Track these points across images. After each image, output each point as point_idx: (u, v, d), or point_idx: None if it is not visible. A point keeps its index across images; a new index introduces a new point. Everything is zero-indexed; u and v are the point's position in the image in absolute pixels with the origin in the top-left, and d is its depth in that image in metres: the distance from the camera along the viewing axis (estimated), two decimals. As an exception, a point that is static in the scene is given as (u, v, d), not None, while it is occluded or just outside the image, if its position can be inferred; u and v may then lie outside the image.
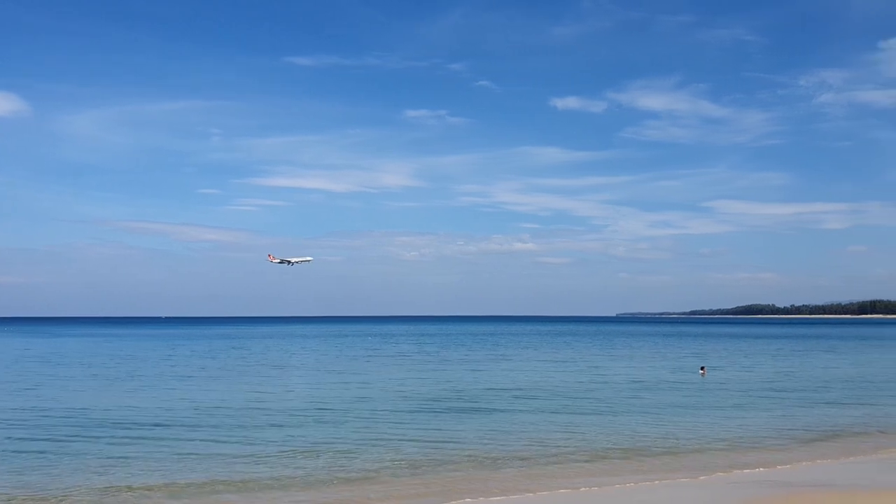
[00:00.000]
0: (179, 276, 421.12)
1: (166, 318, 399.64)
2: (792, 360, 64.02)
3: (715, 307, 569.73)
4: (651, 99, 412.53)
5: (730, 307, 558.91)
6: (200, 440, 22.66)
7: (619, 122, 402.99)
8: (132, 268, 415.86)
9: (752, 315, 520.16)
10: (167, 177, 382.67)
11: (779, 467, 18.87)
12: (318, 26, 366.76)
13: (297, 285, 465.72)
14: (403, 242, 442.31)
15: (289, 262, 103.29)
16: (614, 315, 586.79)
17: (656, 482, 17.14)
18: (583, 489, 16.50)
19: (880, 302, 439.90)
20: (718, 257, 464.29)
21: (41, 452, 20.51)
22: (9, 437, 22.95)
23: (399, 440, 22.61)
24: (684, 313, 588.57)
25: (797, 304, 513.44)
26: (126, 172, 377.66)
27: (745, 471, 18.46)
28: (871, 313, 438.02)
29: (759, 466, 19.05)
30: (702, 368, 49.06)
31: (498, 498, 15.67)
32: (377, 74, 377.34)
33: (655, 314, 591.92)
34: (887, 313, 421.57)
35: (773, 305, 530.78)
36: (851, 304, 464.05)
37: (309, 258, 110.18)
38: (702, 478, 17.67)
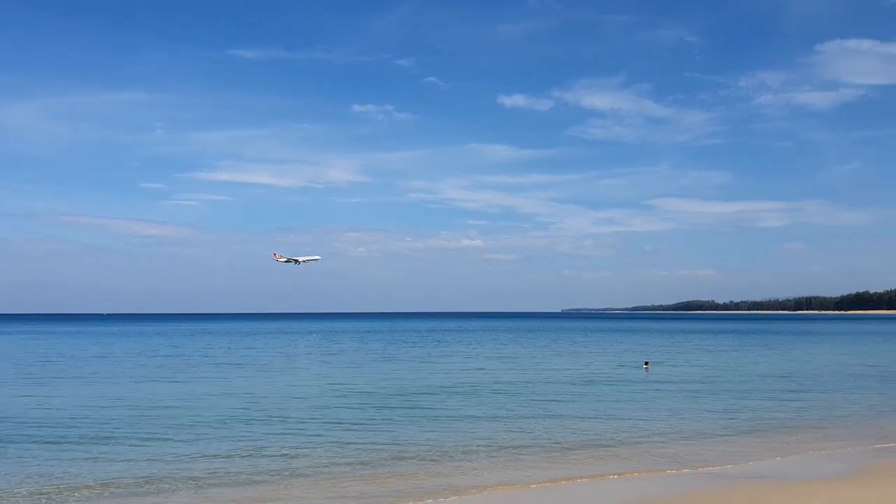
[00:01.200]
0: (121, 272, 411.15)
1: (108, 314, 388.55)
2: (730, 355, 64.98)
3: (657, 303, 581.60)
4: (596, 98, 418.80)
5: (671, 303, 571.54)
6: (134, 440, 21.54)
7: (564, 120, 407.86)
8: (71, 263, 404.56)
9: (692, 311, 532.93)
10: (108, 170, 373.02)
11: (718, 460, 18.76)
12: (263, 19, 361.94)
13: (241, 282, 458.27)
14: (351, 238, 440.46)
15: (296, 261, 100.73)
16: (559, 311, 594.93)
17: (598, 477, 16.79)
18: (532, 486, 15.91)
19: (816, 298, 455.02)
20: (660, 254, 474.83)
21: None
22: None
23: (340, 439, 21.77)
24: (627, 309, 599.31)
25: (736, 300, 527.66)
26: (65, 165, 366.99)
27: (685, 464, 18.33)
28: (806, 309, 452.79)
29: (699, 460, 18.96)
30: (646, 363, 49.15)
31: (444, 499, 15.11)
32: (324, 68, 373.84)
33: (599, 310, 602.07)
34: (822, 309, 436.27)
35: (713, 301, 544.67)
36: (788, 300, 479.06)
37: (317, 257, 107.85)
38: (644, 471, 17.37)
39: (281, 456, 19.57)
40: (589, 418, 26.09)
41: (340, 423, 24.91)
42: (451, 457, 19.51)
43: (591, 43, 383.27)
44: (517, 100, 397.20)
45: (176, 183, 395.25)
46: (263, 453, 19.85)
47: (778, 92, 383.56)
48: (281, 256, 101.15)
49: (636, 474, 17.28)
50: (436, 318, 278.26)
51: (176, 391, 34.87)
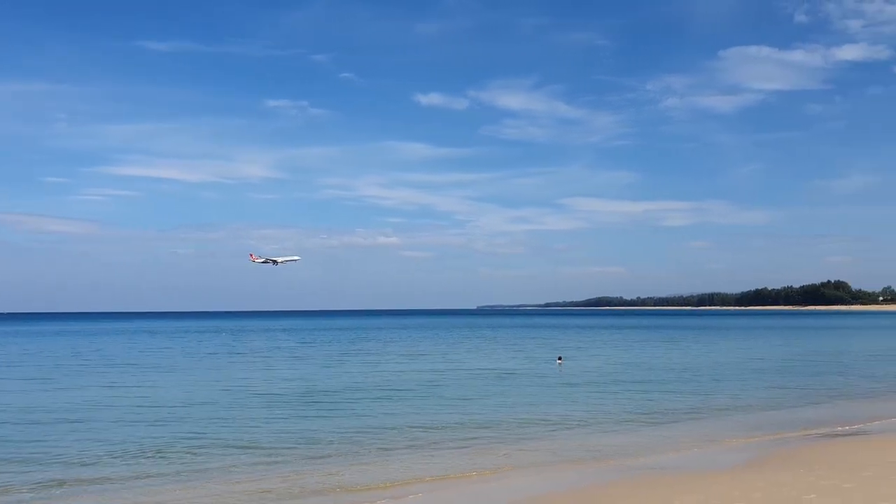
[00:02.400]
0: (22, 270, 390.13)
1: (6, 314, 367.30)
2: (638, 349, 66.87)
3: (568, 299, 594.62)
4: (510, 98, 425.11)
5: (581, 299, 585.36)
6: (31, 442, 20.58)
7: (480, 119, 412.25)
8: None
9: (601, 307, 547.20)
10: (8, 163, 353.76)
11: (621, 453, 19.06)
12: (173, 10, 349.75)
13: (149, 279, 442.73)
14: (263, 235, 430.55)
15: (274, 261, 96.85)
16: (475, 308, 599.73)
17: (510, 471, 16.74)
18: (426, 480, 15.64)
19: (718, 294, 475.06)
20: (572, 252, 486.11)
21: None
22: None
23: (249, 440, 21.02)
24: (540, 305, 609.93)
25: (643, 296, 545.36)
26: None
27: (590, 457, 18.57)
28: (709, 305, 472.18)
29: (608, 452, 19.24)
30: (559, 358, 49.93)
31: (353, 495, 14.83)
32: (236, 62, 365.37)
33: (514, 306, 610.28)
34: (724, 305, 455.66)
35: (622, 298, 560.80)
36: (692, 296, 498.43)
37: (296, 257, 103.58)
38: (553, 464, 17.48)
39: (185, 455, 18.86)
40: (500, 414, 26.14)
41: (249, 423, 24.10)
42: (359, 456, 19.12)
43: (505, 43, 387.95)
44: (433, 98, 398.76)
45: (81, 177, 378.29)
46: (167, 454, 19.07)
47: (683, 95, 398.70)
48: (258, 257, 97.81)
49: (538, 468, 17.37)
50: (350, 316, 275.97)
51: (70, 393, 33.05)
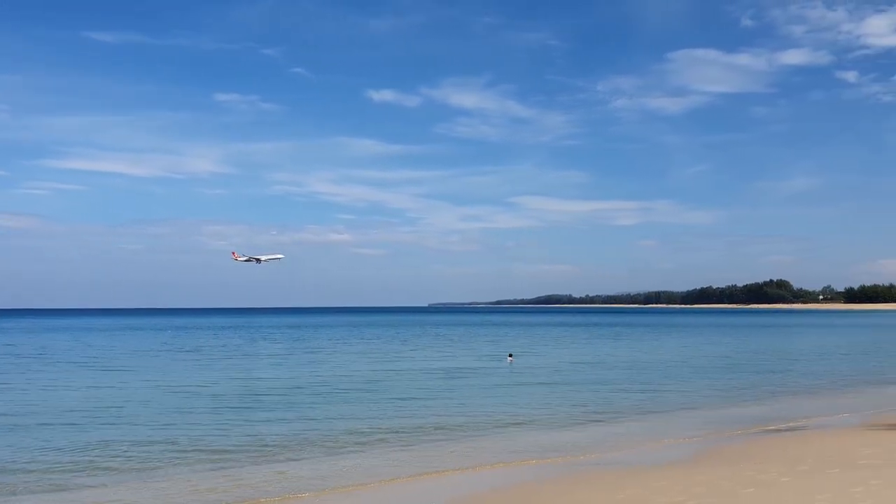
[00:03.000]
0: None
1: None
2: (587, 347, 67.69)
3: (519, 297, 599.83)
4: (463, 96, 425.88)
5: (532, 297, 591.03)
6: None
7: (432, 117, 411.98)
8: None
9: (551, 304, 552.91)
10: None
11: (568, 449, 19.12)
12: (120, 1, 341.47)
13: (96, 275, 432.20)
14: (212, 231, 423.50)
15: (257, 260, 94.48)
16: (426, 305, 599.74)
17: (455, 470, 16.61)
18: (388, 483, 15.44)
19: (665, 293, 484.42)
20: (523, 250, 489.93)
21: None
22: None
23: (193, 440, 20.45)
24: (491, 303, 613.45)
25: (592, 294, 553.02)
26: None
27: (541, 454, 18.55)
28: (656, 303, 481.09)
29: (554, 449, 19.29)
30: (509, 356, 50.14)
31: (299, 495, 14.52)
32: (184, 55, 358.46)
33: (465, 304, 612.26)
34: (670, 303, 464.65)
35: (571, 295, 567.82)
36: (640, 294, 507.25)
37: (279, 255, 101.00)
38: (498, 462, 17.43)
39: (127, 457, 18.31)
40: (448, 412, 26.03)
41: (193, 423, 23.51)
42: (302, 457, 18.81)
43: (458, 42, 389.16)
44: (386, 95, 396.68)
45: (22, 170, 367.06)
46: (108, 455, 18.47)
47: (632, 97, 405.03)
48: (240, 256, 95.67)
49: (483, 467, 17.33)
50: (300, 314, 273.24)
51: (6, 394, 31.91)
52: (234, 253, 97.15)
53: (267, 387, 33.78)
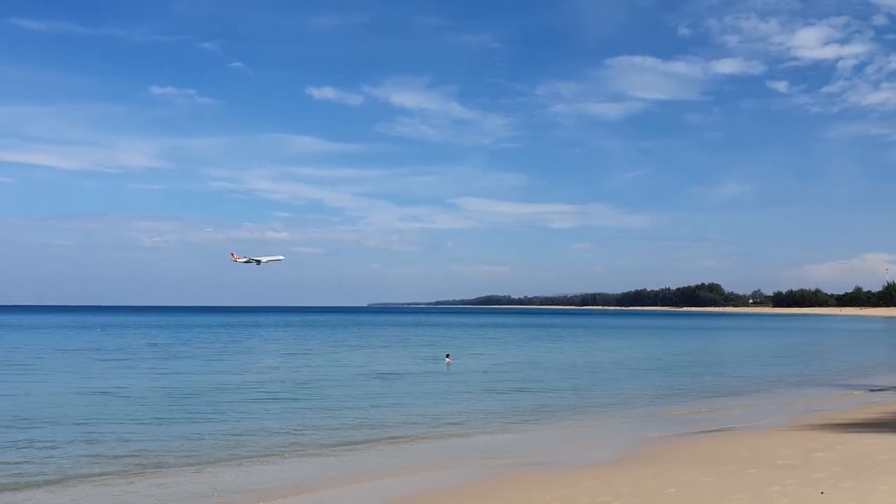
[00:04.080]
0: None
1: None
2: (525, 348, 68.32)
3: (458, 297, 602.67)
4: (404, 96, 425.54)
5: (471, 298, 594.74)
6: None
7: (374, 116, 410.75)
8: None
9: (490, 305, 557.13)
10: None
11: (501, 450, 19.15)
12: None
13: (21, 271, 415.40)
14: (145, 227, 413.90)
15: (257, 261, 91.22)
16: (366, 305, 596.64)
17: (385, 473, 16.43)
18: (321, 488, 15.13)
19: (600, 295, 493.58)
20: (462, 251, 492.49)
21: None
22: None
23: (117, 444, 19.79)
24: (430, 303, 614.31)
25: (529, 295, 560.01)
26: None
27: (472, 455, 18.56)
28: (591, 305, 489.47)
29: (486, 450, 19.35)
30: (447, 357, 50.09)
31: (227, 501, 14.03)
32: (119, 46, 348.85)
33: (405, 304, 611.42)
34: (605, 305, 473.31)
35: (509, 296, 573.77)
36: (576, 296, 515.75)
37: (280, 257, 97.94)
38: (427, 465, 17.31)
39: (46, 463, 17.51)
40: (384, 414, 25.84)
41: (118, 426, 22.71)
42: (226, 458, 18.37)
43: (400, 41, 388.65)
44: (327, 92, 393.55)
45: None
46: (26, 462, 17.61)
47: (571, 102, 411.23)
48: (240, 257, 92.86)
49: (413, 469, 17.24)
50: (235, 312, 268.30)
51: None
52: (233, 254, 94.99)
53: (195, 389, 32.91)
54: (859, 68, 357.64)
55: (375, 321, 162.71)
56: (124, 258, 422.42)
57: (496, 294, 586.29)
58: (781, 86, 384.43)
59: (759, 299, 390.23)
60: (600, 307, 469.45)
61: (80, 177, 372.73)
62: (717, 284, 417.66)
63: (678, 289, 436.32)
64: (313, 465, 17.75)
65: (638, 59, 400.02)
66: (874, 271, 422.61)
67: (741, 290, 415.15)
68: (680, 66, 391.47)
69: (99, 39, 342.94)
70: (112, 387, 33.36)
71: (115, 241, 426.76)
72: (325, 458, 18.48)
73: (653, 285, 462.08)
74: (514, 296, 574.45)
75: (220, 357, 53.11)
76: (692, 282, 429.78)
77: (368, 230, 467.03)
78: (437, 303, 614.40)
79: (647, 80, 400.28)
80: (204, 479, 16.24)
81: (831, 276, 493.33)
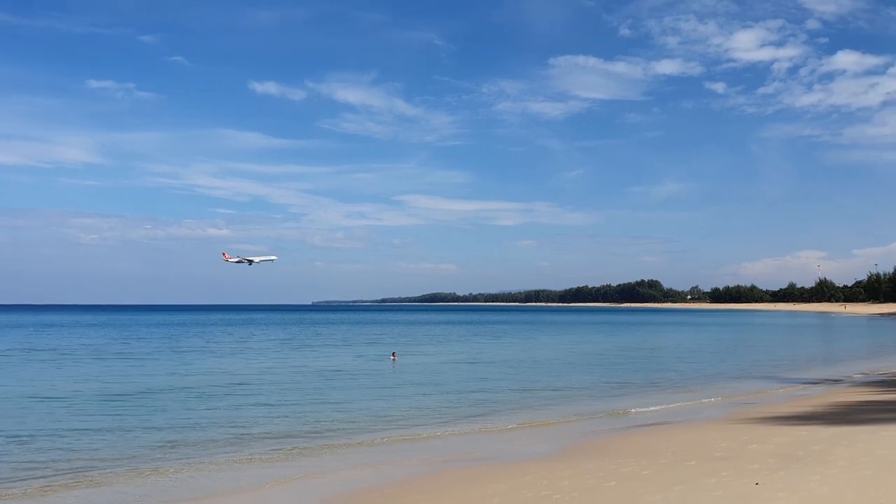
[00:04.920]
0: None
1: None
2: (470, 344, 68.40)
3: (404, 295, 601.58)
4: (349, 92, 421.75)
5: (416, 295, 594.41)
6: None
7: (317, 112, 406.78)
8: None
9: (435, 302, 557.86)
10: None
11: (446, 447, 19.00)
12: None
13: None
14: (81, 224, 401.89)
15: (249, 261, 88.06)
16: (310, 303, 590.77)
17: (326, 471, 16.13)
18: (262, 487, 14.73)
19: (543, 291, 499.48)
20: (407, 248, 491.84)
21: None
22: None
23: (42, 447, 18.98)
24: (376, 301, 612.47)
25: (474, 292, 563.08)
26: None
27: (413, 452, 18.41)
28: (535, 301, 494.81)
29: (428, 445, 19.27)
30: (393, 354, 49.79)
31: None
32: (54, 38, 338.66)
33: (350, 302, 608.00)
34: (548, 301, 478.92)
35: (455, 294, 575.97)
36: (520, 292, 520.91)
37: (273, 257, 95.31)
38: (366, 463, 17.06)
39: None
40: (327, 412, 25.47)
41: (45, 429, 21.81)
42: (161, 461, 17.82)
43: (344, 37, 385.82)
44: (269, 87, 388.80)
45: None
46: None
47: (516, 100, 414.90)
48: (231, 257, 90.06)
49: (353, 468, 17.00)
50: (174, 311, 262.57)
51: None
52: (224, 254, 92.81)
53: (132, 390, 31.93)
54: (793, 70, 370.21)
55: (319, 319, 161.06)
56: (59, 256, 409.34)
57: (442, 291, 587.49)
58: (719, 87, 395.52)
59: (698, 295, 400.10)
60: (543, 304, 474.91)
61: (13, 171, 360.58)
62: (656, 281, 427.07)
63: (619, 285, 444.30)
64: (249, 466, 17.28)
65: (581, 59, 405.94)
66: (807, 268, 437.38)
67: (680, 286, 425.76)
68: (621, 67, 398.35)
69: (34, 31, 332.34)
70: (46, 388, 32.16)
71: (49, 238, 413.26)
72: (261, 459, 17.99)
73: (595, 282, 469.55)
74: (460, 293, 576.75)
75: (154, 357, 51.68)
76: (633, 278, 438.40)
77: (313, 227, 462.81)
78: (383, 300, 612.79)
79: (589, 79, 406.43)
80: (138, 482, 15.68)
81: (766, 272, 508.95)
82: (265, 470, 16.72)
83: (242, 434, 21.13)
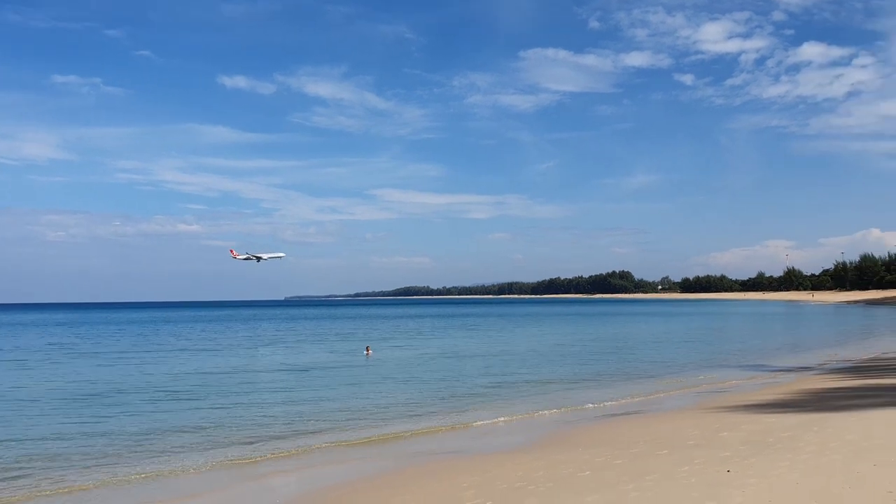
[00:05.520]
0: None
1: None
2: (444, 337, 68.36)
3: (377, 289, 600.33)
4: (319, 86, 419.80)
5: (390, 289, 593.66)
6: None
7: (288, 106, 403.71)
8: None
9: (409, 296, 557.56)
10: None
11: (414, 438, 19.05)
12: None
13: None
14: (48, 221, 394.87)
15: (258, 258, 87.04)
16: (283, 299, 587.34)
17: (295, 467, 16.02)
18: (228, 485, 14.46)
19: (516, 284, 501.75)
20: (380, 242, 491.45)
21: None
22: None
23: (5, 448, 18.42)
24: (349, 295, 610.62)
25: (448, 285, 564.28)
26: None
27: (390, 443, 18.54)
28: (508, 293, 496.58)
29: (401, 438, 19.29)
30: (367, 349, 49.58)
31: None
32: (17, 33, 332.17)
33: (323, 297, 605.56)
34: (521, 293, 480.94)
35: (428, 287, 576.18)
36: (493, 285, 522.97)
37: (281, 254, 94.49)
38: (338, 458, 16.97)
39: None
40: (298, 408, 25.23)
41: (7, 430, 21.35)
42: (130, 460, 17.54)
43: (314, 30, 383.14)
44: (239, 81, 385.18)
45: None
46: None
47: (487, 93, 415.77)
48: (239, 254, 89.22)
49: (324, 463, 16.90)
50: (145, 309, 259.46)
51: None
52: (232, 251, 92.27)
53: (94, 390, 31.45)
54: (760, 62, 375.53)
55: (292, 314, 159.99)
56: (26, 254, 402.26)
57: (415, 285, 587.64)
58: (688, 78, 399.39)
59: (668, 285, 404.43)
60: (516, 296, 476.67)
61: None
62: (627, 272, 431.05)
63: (591, 277, 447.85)
64: (214, 467, 17.03)
65: (551, 52, 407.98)
66: (776, 257, 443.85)
67: (651, 276, 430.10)
68: (591, 59, 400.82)
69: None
70: (9, 388, 31.52)
71: (17, 236, 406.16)
72: (227, 459, 17.72)
73: (567, 273, 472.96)
74: (433, 286, 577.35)
75: (125, 355, 50.96)
76: (604, 269, 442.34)
77: (284, 222, 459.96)
78: (356, 295, 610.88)
79: (559, 72, 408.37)
80: (102, 478, 15.38)
81: (736, 262, 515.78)
82: (230, 470, 16.46)
83: (208, 434, 20.74)
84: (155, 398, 28.00)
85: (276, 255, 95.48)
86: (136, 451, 18.34)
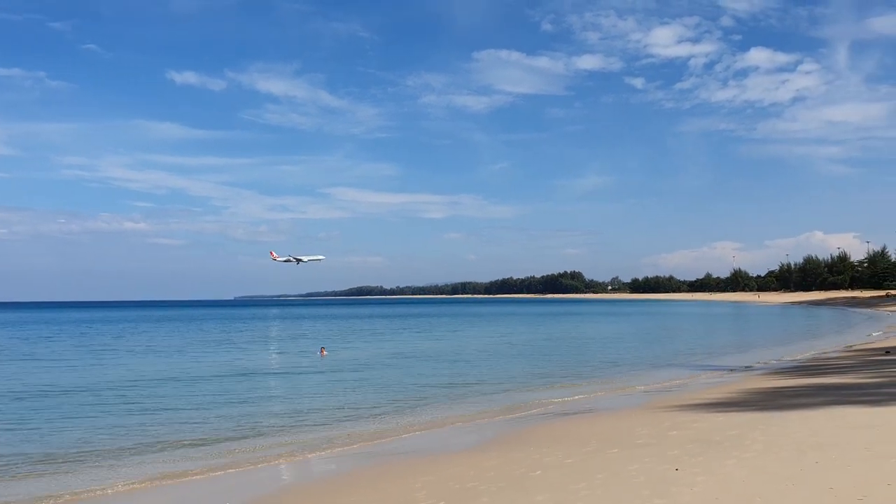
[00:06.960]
0: None
1: None
2: (398, 338, 68.12)
3: (330, 289, 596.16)
4: (271, 83, 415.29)
5: (343, 289, 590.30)
6: None
7: (239, 102, 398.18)
8: None
9: (363, 296, 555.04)
10: None
11: (370, 440, 18.90)
12: None
13: None
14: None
15: (298, 260, 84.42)
16: (232, 298, 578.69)
17: (244, 469, 15.72)
18: (183, 481, 14.14)
19: (470, 283, 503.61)
20: (333, 241, 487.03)
21: None
22: None
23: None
24: (301, 295, 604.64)
25: (402, 285, 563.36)
26: None
27: (345, 444, 18.32)
28: (462, 293, 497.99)
29: (355, 439, 19.21)
30: (321, 349, 49.10)
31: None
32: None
33: (274, 297, 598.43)
34: (475, 293, 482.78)
35: (382, 287, 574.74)
36: (447, 285, 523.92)
37: (321, 256, 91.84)
38: (285, 461, 16.79)
39: None
40: (249, 411, 24.80)
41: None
42: (67, 464, 17.04)
43: (266, 27, 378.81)
44: (188, 77, 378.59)
45: None
46: None
47: (441, 93, 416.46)
48: (279, 256, 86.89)
49: (273, 465, 16.72)
50: (87, 308, 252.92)
51: None
52: (272, 252, 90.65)
53: (33, 393, 30.51)
54: (709, 66, 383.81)
55: (242, 315, 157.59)
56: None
57: (368, 285, 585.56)
58: (638, 82, 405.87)
59: (618, 286, 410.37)
60: (470, 295, 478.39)
61: None
62: (578, 272, 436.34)
63: (543, 277, 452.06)
64: (165, 473, 16.65)
65: (504, 53, 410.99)
66: (723, 259, 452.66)
67: (601, 277, 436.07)
68: (543, 62, 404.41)
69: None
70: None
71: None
72: (174, 463, 17.37)
73: (519, 274, 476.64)
74: (387, 286, 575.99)
75: (64, 355, 49.55)
76: (556, 270, 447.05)
77: (235, 221, 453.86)
78: (308, 295, 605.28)
79: (512, 73, 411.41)
80: (52, 481, 14.88)
81: (684, 263, 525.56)
82: (180, 476, 16.03)
83: (156, 439, 20.09)
84: (92, 403, 27.03)
85: (315, 257, 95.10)
86: (75, 459, 17.78)
